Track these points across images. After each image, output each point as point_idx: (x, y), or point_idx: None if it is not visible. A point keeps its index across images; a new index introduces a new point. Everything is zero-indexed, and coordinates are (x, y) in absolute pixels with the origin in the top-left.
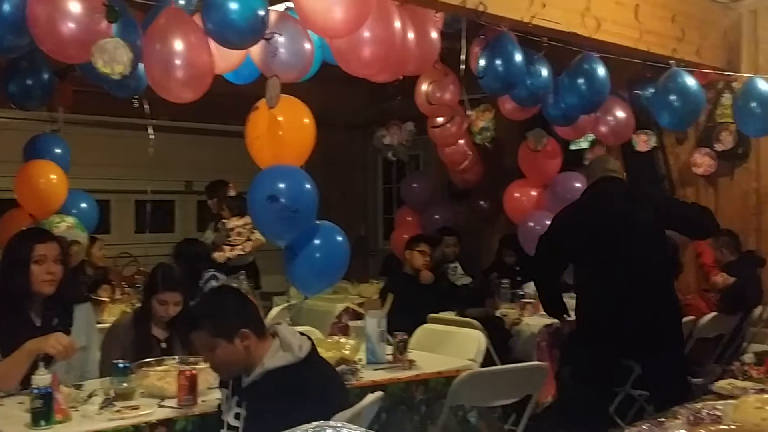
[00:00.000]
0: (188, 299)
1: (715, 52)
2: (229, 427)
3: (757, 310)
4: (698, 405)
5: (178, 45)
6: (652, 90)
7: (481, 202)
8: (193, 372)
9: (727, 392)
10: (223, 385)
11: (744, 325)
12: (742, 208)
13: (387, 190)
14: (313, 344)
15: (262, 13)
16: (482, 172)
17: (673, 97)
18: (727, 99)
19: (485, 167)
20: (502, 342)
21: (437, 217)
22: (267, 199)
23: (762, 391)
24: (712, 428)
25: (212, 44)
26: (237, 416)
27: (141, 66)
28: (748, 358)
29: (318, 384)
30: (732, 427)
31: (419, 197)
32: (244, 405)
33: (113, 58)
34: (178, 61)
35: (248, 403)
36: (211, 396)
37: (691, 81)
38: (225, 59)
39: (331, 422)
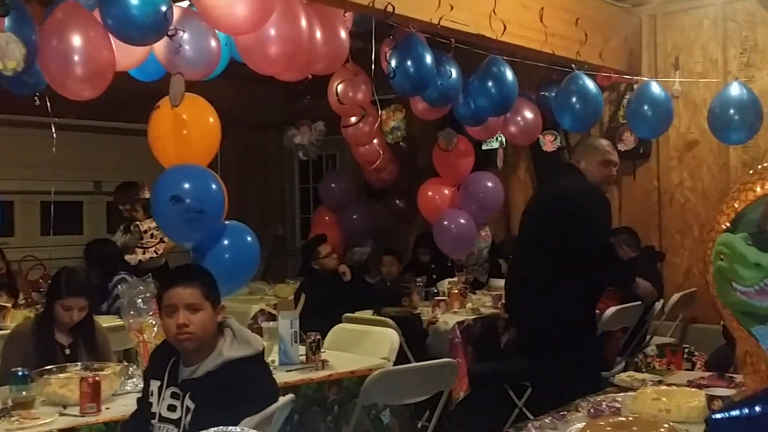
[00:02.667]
0: (95, 303)
1: (616, 56)
2: (162, 419)
3: (658, 304)
4: (599, 398)
5: (77, 40)
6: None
7: (397, 201)
8: (96, 379)
9: (627, 384)
10: (153, 376)
11: (647, 318)
12: (644, 206)
13: (304, 189)
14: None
15: (164, 8)
16: (397, 171)
17: (573, 100)
18: (627, 101)
19: (400, 167)
20: (419, 340)
21: (355, 216)
22: (170, 199)
23: (660, 383)
24: (611, 420)
25: (114, 40)
26: (172, 408)
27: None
28: (651, 350)
29: (270, 379)
30: (630, 418)
31: (336, 197)
32: (190, 396)
33: (5, 53)
34: (76, 58)
35: (199, 394)
36: (115, 403)
37: (590, 84)
38: (127, 56)
39: (231, 428)
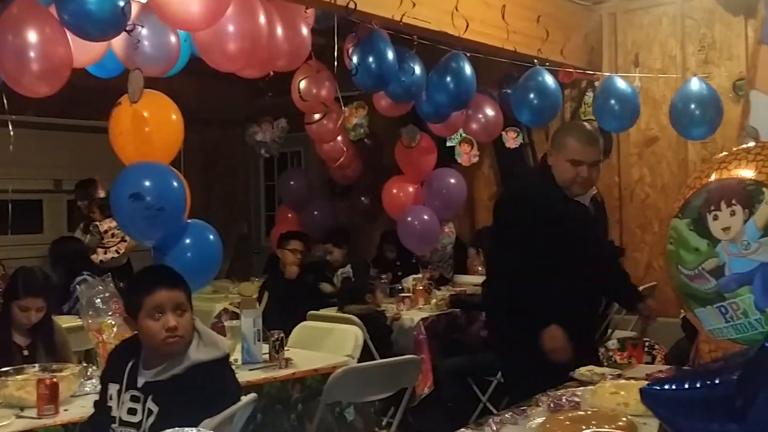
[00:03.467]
0: (57, 303)
1: (577, 53)
2: (123, 422)
3: None
4: (559, 392)
5: (32, 36)
6: None
7: (362, 199)
8: (54, 380)
9: (587, 379)
10: (111, 379)
11: (608, 312)
12: (606, 202)
13: (269, 187)
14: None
15: (122, 3)
16: (362, 168)
17: (531, 95)
18: (589, 97)
19: (365, 164)
20: (384, 337)
21: (317, 213)
22: (129, 197)
23: (619, 376)
24: (571, 414)
25: (70, 36)
26: (133, 411)
27: None
28: (612, 344)
29: (234, 379)
30: (589, 412)
31: (298, 194)
32: (153, 398)
33: None
34: (32, 54)
35: (163, 396)
36: (74, 404)
37: (549, 79)
38: (84, 52)
39: (188, 428)
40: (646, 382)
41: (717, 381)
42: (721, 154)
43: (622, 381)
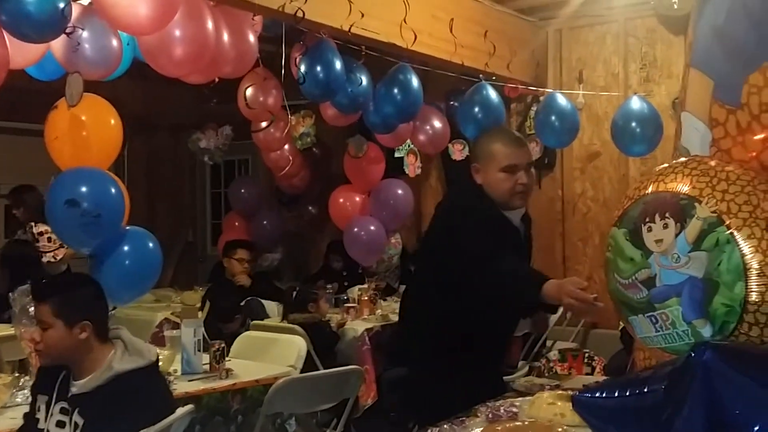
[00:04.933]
0: None
1: (523, 68)
2: None
3: (561, 309)
4: (497, 402)
5: None
6: None
7: (310, 208)
8: None
9: (526, 389)
10: (40, 391)
11: (549, 323)
12: (549, 215)
13: (216, 194)
14: (158, 357)
15: (62, 5)
16: (310, 177)
17: (476, 110)
18: (534, 112)
19: (312, 173)
20: (328, 347)
21: (265, 222)
22: (65, 203)
23: (557, 387)
24: (509, 425)
25: (8, 37)
26: (61, 424)
27: None
28: (553, 355)
29: (165, 390)
30: (526, 422)
31: (247, 202)
32: (79, 412)
33: None
34: None
35: (88, 409)
36: (4, 416)
37: (493, 94)
38: (23, 53)
39: None
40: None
41: (645, 389)
42: (661, 166)
43: (560, 392)
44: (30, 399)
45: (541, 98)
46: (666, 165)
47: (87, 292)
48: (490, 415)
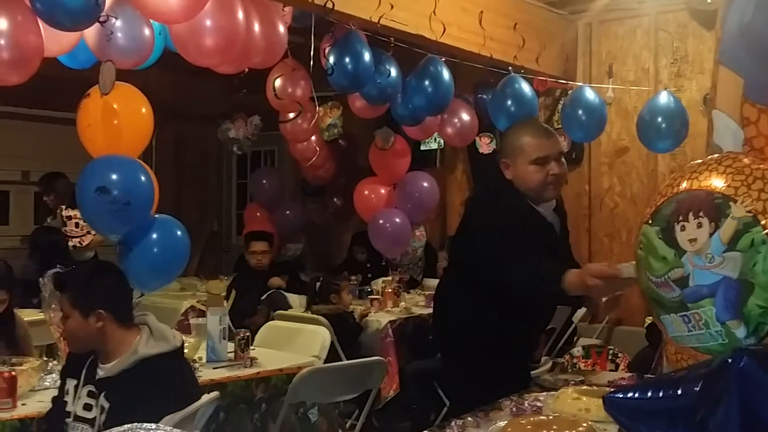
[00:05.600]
0: (23, 296)
1: (553, 61)
2: (77, 418)
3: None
4: (522, 396)
5: (3, 24)
6: None
7: (335, 199)
8: (13, 374)
9: (550, 384)
10: (69, 374)
11: (573, 319)
12: (575, 210)
13: (242, 185)
14: (183, 343)
15: None
16: (335, 169)
17: (509, 102)
18: (562, 106)
19: (338, 165)
20: (351, 338)
21: (288, 213)
22: (95, 190)
23: (581, 382)
24: (533, 419)
25: (42, 25)
26: (88, 407)
27: None
28: (577, 351)
29: (190, 375)
30: (550, 417)
31: (269, 193)
32: (105, 396)
33: None
34: (2, 41)
35: (113, 392)
36: (32, 399)
37: (525, 87)
38: (56, 41)
39: (146, 424)
40: (609, 390)
41: (679, 391)
42: (694, 162)
43: (585, 387)
44: (58, 383)
45: (570, 92)
46: (699, 161)
47: (104, 281)
48: (514, 409)
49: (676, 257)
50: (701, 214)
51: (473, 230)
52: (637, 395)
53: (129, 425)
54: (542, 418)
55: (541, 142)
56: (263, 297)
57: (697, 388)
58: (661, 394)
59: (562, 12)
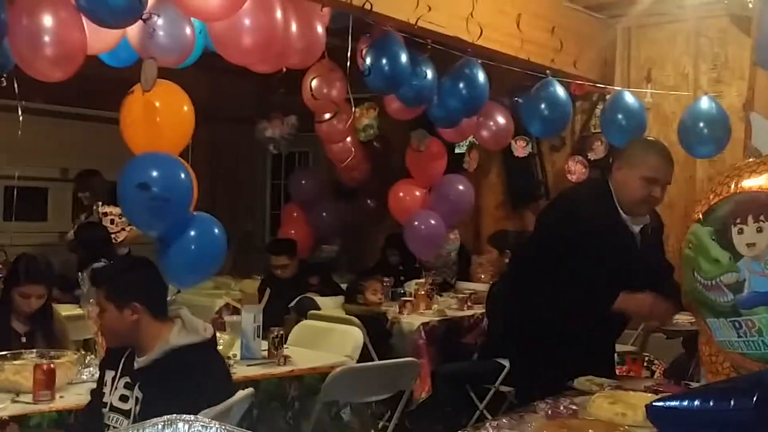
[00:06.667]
0: (66, 289)
1: (591, 65)
2: (113, 408)
3: None
4: (557, 400)
5: (48, 21)
6: None
7: (368, 201)
8: (51, 366)
9: (586, 388)
10: (108, 366)
11: None
12: None
13: (275, 185)
14: (215, 336)
15: None
16: (370, 170)
17: (542, 106)
18: (600, 111)
19: (373, 166)
20: (383, 339)
21: (324, 214)
22: (136, 186)
23: (618, 387)
24: (568, 422)
25: (85, 22)
26: (124, 398)
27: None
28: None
29: (221, 368)
30: (587, 420)
31: (306, 194)
32: (139, 386)
33: None
34: (46, 38)
35: (147, 383)
36: (70, 392)
37: (560, 91)
38: (99, 39)
39: (185, 416)
40: (650, 397)
41: (732, 404)
42: (750, 159)
43: (621, 391)
44: (95, 376)
45: (608, 96)
46: (754, 159)
47: (138, 275)
48: (549, 412)
49: (731, 261)
50: (762, 217)
51: (554, 236)
52: (683, 405)
53: (168, 416)
54: (577, 421)
55: (662, 165)
56: (291, 304)
57: (753, 402)
58: (711, 405)
59: (600, 16)
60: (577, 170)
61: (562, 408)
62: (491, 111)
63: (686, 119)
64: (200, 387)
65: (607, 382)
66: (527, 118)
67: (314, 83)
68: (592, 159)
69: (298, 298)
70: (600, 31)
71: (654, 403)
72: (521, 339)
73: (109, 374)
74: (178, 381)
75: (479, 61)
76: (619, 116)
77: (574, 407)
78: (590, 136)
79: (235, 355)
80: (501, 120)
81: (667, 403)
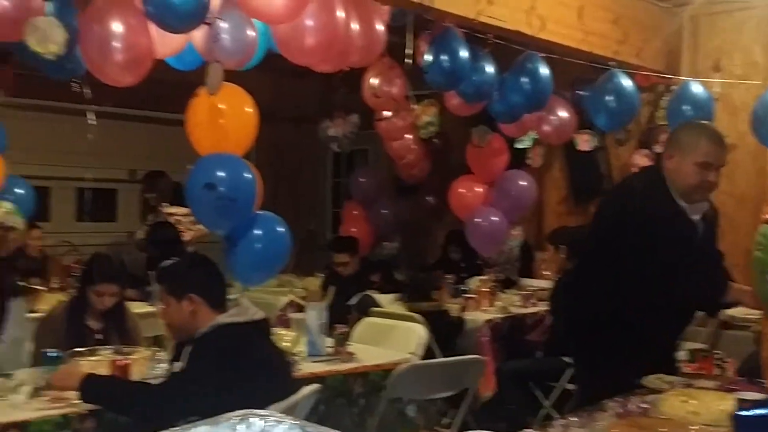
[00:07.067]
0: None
1: (655, 56)
2: None
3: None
4: (627, 398)
5: (117, 27)
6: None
7: (428, 198)
8: (127, 362)
9: (656, 387)
10: (176, 359)
11: None
12: None
13: (337, 184)
14: (269, 322)
15: None
16: (430, 167)
17: (609, 98)
18: (666, 102)
19: (433, 163)
20: (447, 336)
21: (384, 211)
22: (203, 187)
23: (688, 386)
24: (639, 421)
25: (153, 27)
26: None
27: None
28: (682, 355)
29: (265, 348)
30: (658, 419)
31: (366, 192)
32: (183, 359)
33: (47, 37)
34: (116, 44)
35: (190, 356)
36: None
37: (627, 82)
38: (166, 43)
39: (258, 411)
40: (724, 396)
41: None
42: None
43: (693, 390)
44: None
45: (673, 88)
46: None
47: (194, 270)
48: (619, 410)
49: None
50: None
51: (619, 227)
52: None
53: (242, 411)
54: (649, 419)
55: (714, 150)
56: (352, 302)
57: None
58: None
59: (665, 5)
60: (643, 164)
61: (632, 406)
62: (553, 105)
63: (758, 109)
64: (242, 362)
65: (678, 380)
66: (593, 111)
67: (375, 81)
68: (658, 152)
69: (359, 297)
70: (665, 20)
71: (738, 413)
72: (585, 335)
73: (177, 366)
74: (218, 355)
75: (541, 55)
76: (687, 107)
77: (645, 406)
78: (656, 128)
79: (300, 352)
80: (563, 114)
81: (754, 412)
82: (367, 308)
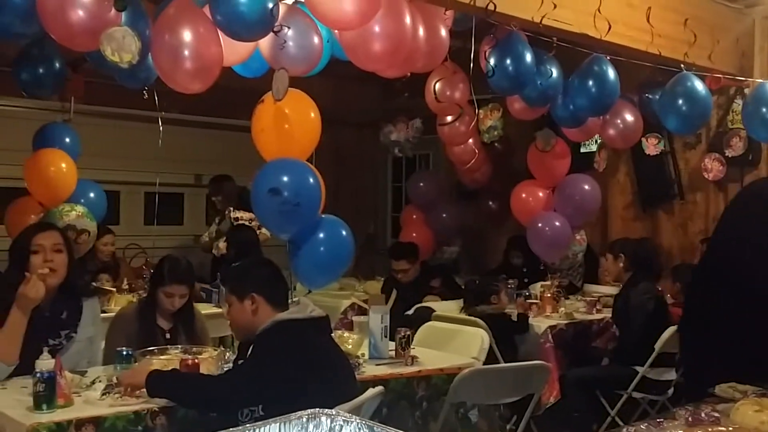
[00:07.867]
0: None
1: (727, 58)
2: None
3: None
4: (698, 407)
5: (187, 36)
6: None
7: (490, 203)
8: (196, 361)
9: (728, 395)
10: (240, 358)
11: None
12: None
13: (397, 188)
14: (329, 321)
15: (271, 5)
16: (491, 172)
17: (680, 102)
18: (738, 105)
19: (495, 167)
20: (510, 339)
21: (444, 216)
22: (268, 191)
23: (763, 395)
24: (710, 429)
25: (221, 36)
26: None
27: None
28: None
29: (327, 344)
30: (730, 429)
31: (426, 196)
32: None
33: (121, 46)
34: (186, 52)
35: (252, 352)
36: None
37: (699, 85)
38: (234, 51)
39: (327, 410)
40: None
41: None
42: None
43: (767, 399)
44: None
45: (746, 90)
46: None
47: (255, 270)
48: (689, 419)
49: None
50: None
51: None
52: None
53: (311, 410)
54: (721, 428)
55: None
56: (410, 312)
57: None
58: None
59: (736, 6)
60: (714, 168)
61: (703, 415)
62: (619, 108)
63: None
64: (297, 356)
65: (751, 389)
66: (663, 114)
67: (438, 86)
68: (729, 156)
69: (415, 307)
70: (736, 21)
71: None
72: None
73: None
74: (274, 349)
75: (608, 58)
76: (764, 110)
77: (716, 414)
78: (727, 132)
79: (363, 354)
80: (629, 117)
81: None
82: (423, 321)
